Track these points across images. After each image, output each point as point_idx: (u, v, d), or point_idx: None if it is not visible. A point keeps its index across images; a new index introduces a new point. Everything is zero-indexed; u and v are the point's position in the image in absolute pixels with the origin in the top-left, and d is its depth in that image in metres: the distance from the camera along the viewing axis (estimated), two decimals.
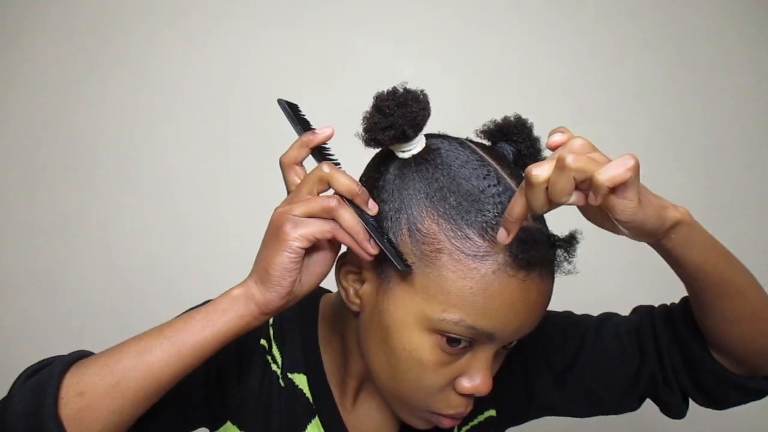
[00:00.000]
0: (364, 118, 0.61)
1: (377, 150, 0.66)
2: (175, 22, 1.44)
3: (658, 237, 0.56)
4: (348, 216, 0.58)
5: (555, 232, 0.62)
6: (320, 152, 0.64)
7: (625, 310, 0.79)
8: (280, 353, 0.73)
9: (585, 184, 0.51)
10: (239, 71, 1.44)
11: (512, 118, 0.66)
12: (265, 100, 1.44)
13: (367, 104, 0.61)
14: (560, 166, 0.50)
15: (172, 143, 1.43)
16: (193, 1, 1.44)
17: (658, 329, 0.72)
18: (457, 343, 0.60)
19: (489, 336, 0.60)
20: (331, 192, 0.60)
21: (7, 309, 1.40)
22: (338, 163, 0.63)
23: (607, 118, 1.45)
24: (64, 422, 0.52)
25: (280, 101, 0.66)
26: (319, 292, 0.78)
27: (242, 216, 1.40)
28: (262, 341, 0.72)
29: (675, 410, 0.74)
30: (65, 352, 0.59)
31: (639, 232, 0.54)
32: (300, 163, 0.64)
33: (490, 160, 0.63)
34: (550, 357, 0.77)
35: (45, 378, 0.54)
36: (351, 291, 0.65)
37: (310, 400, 0.72)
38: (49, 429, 0.52)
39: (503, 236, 0.56)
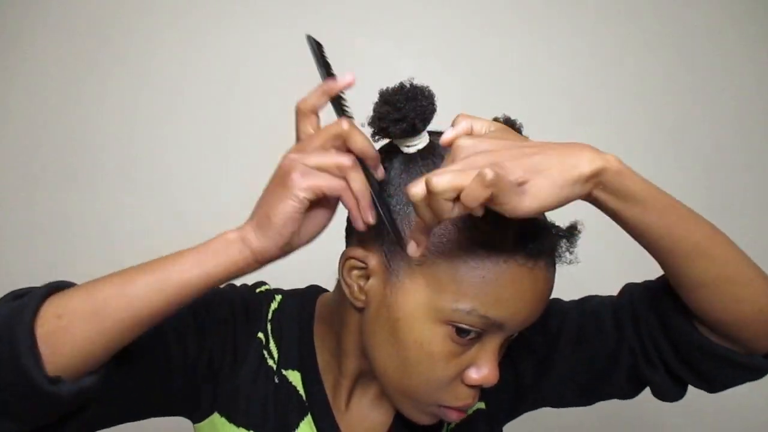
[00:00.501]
0: (374, 110, 0.60)
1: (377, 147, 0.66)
2: (175, 22, 1.44)
3: (580, 196, 0.53)
4: (359, 179, 0.57)
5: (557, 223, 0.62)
6: (339, 105, 0.62)
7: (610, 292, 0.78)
8: (276, 349, 0.72)
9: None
10: (239, 71, 1.44)
11: (501, 119, 0.66)
12: (265, 100, 1.44)
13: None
14: (429, 189, 0.49)
15: (172, 143, 1.43)
16: (193, 1, 1.44)
17: (636, 302, 0.70)
18: (466, 334, 0.60)
19: (499, 326, 0.60)
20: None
21: None
22: (352, 118, 0.62)
23: (607, 118, 1.45)
24: (37, 339, 0.51)
25: (308, 37, 0.64)
26: (317, 291, 0.78)
27: (242, 216, 1.40)
28: (260, 335, 0.72)
29: (665, 392, 0.70)
30: None
31: (547, 210, 0.52)
32: (316, 113, 0.61)
33: None
34: (532, 341, 0.76)
35: (28, 297, 0.54)
36: (355, 287, 0.65)
37: (304, 397, 0.71)
38: (21, 342, 0.51)
39: (413, 249, 0.56)
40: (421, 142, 0.62)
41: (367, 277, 0.64)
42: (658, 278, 0.69)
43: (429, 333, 0.60)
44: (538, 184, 0.50)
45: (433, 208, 0.50)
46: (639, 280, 0.73)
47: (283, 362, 0.72)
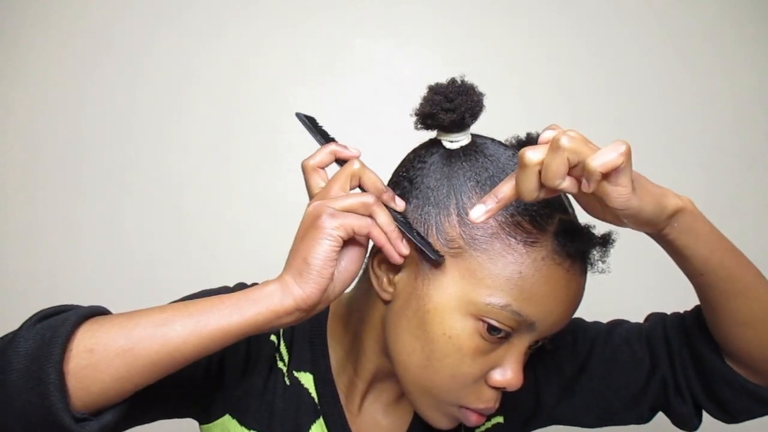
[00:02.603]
0: (424, 99, 0.62)
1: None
2: (176, 23, 1.44)
3: (659, 226, 0.56)
4: (384, 214, 0.59)
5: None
6: (342, 162, 0.66)
7: (635, 315, 0.78)
8: (287, 351, 0.72)
9: (578, 171, 0.51)
10: (239, 72, 1.44)
11: (534, 135, 0.66)
12: (265, 101, 1.44)
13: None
14: (554, 146, 0.50)
15: (172, 144, 1.43)
16: (194, 3, 1.44)
17: (670, 335, 0.71)
18: (497, 332, 0.60)
19: (530, 325, 0.60)
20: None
21: (8, 309, 1.40)
22: None
23: (607, 118, 1.45)
24: (66, 375, 0.50)
25: (298, 114, 0.69)
26: None
27: (243, 216, 1.40)
28: (272, 337, 0.72)
29: (687, 422, 0.72)
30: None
31: (637, 220, 0.54)
32: (323, 169, 0.65)
33: None
34: (560, 363, 0.76)
35: (57, 325, 0.52)
36: (384, 279, 0.65)
37: (316, 400, 0.71)
38: (49, 379, 0.49)
39: (478, 213, 0.57)
40: (463, 139, 0.64)
41: (397, 270, 0.64)
42: (689, 313, 0.71)
43: (459, 326, 0.60)
44: (642, 190, 0.53)
45: (549, 170, 0.51)
46: (649, 291, 0.73)
47: (295, 364, 0.72)
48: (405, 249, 0.60)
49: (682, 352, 0.70)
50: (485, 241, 0.60)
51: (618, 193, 0.51)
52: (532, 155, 0.52)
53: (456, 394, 0.63)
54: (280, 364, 0.71)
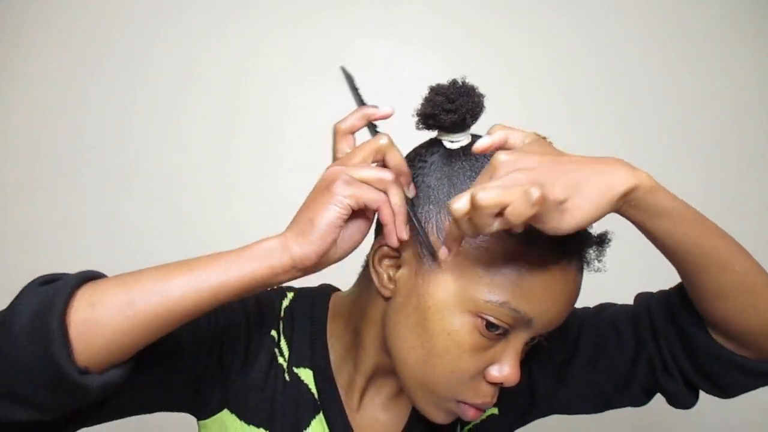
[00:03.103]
0: (426, 99, 0.62)
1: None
2: (177, 23, 1.44)
3: (615, 211, 0.55)
4: (399, 194, 0.59)
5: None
6: (374, 128, 0.66)
7: (626, 301, 0.78)
8: (287, 347, 0.72)
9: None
10: (239, 72, 1.44)
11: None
12: (265, 101, 1.44)
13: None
14: (473, 204, 0.51)
15: (172, 144, 1.43)
16: (194, 3, 1.44)
17: (654, 314, 0.71)
18: (495, 328, 0.61)
19: (527, 322, 0.61)
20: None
21: None
22: None
23: (607, 118, 1.45)
24: (69, 328, 0.51)
25: (342, 68, 0.69)
26: (330, 288, 0.78)
27: (243, 217, 1.40)
28: (272, 332, 0.72)
29: (681, 400, 0.72)
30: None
31: (589, 224, 0.54)
32: (353, 134, 0.65)
33: None
34: (550, 352, 0.77)
35: (60, 283, 0.53)
36: (385, 276, 0.65)
37: (316, 395, 0.71)
38: (52, 330, 0.50)
39: (444, 254, 0.60)
40: (464, 139, 0.64)
41: (398, 267, 0.65)
42: (673, 289, 0.70)
43: (458, 322, 0.61)
44: (577, 203, 0.52)
45: (474, 221, 0.52)
46: (641, 279, 0.74)
47: (295, 360, 0.72)
48: (406, 234, 0.60)
49: (667, 329, 0.69)
50: (483, 239, 0.60)
51: (545, 228, 0.52)
52: (458, 208, 0.52)
53: (454, 389, 0.64)
54: (281, 360, 0.72)
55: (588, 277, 0.64)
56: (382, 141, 0.61)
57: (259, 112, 1.41)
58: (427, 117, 0.63)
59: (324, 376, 0.72)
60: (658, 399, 0.75)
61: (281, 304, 0.74)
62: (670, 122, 1.47)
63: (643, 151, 1.39)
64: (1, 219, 1.42)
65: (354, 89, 0.68)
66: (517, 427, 0.82)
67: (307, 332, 0.73)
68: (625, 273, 1.35)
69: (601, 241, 0.63)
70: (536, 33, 1.47)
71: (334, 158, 0.64)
